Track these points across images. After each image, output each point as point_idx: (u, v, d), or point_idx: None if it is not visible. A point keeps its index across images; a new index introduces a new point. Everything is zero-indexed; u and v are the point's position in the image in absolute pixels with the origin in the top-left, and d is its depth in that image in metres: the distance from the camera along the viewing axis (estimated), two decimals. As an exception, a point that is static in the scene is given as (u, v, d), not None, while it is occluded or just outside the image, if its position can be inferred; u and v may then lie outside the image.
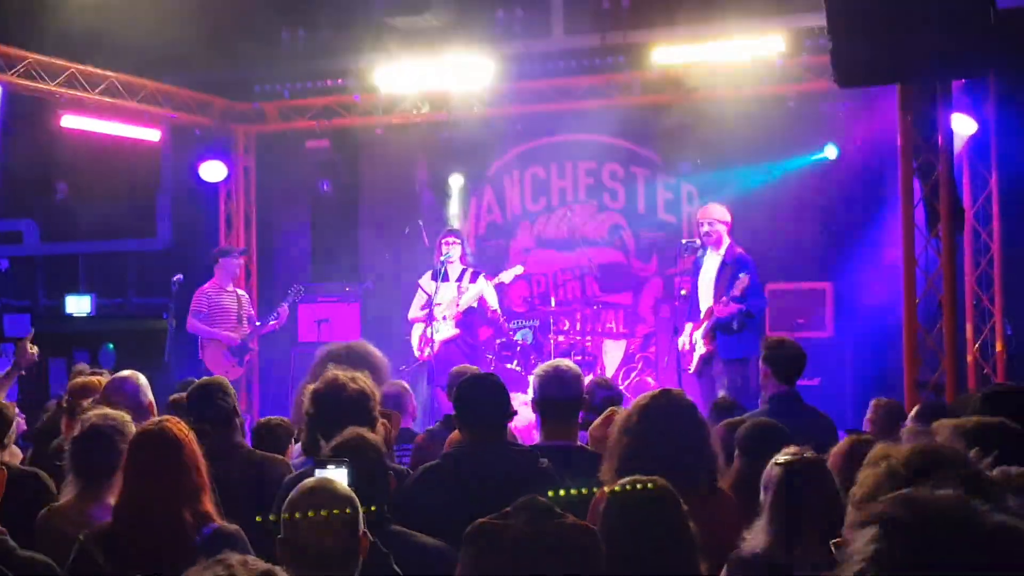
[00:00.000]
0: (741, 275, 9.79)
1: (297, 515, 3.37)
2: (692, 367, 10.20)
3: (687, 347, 10.26)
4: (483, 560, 2.07)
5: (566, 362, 5.57)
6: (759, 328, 9.97)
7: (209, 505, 4.18)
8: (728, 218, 10.30)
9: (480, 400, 4.93)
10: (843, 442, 4.62)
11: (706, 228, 10.28)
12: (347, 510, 3.39)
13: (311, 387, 4.99)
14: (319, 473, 3.75)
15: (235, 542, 3.92)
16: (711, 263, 10.19)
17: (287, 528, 3.37)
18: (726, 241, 10.23)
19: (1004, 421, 3.39)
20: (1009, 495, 2.18)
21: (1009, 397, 4.52)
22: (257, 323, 11.98)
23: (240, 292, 12.10)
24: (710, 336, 9.94)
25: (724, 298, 9.86)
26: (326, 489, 3.43)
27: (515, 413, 5.10)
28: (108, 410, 4.80)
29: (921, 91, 8.51)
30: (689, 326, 10.27)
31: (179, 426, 4.27)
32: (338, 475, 3.80)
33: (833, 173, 11.96)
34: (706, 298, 10.15)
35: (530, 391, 5.78)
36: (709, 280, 10.15)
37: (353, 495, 3.46)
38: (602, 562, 2.81)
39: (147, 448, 4.19)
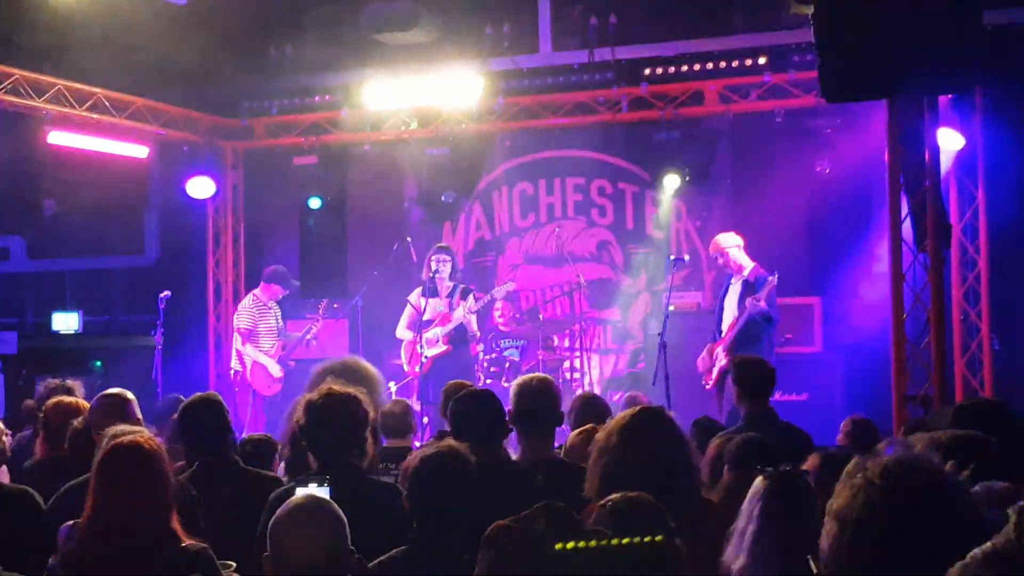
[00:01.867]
0: (770, 278, 10.09)
1: (284, 532, 3.35)
2: (711, 383, 10.37)
3: (708, 363, 10.44)
4: (502, 562, 2.07)
5: (542, 376, 5.57)
6: (771, 345, 10.23)
7: (175, 523, 4.10)
8: (736, 241, 10.60)
9: (476, 416, 4.93)
10: (812, 457, 4.62)
11: (720, 260, 10.64)
12: (335, 528, 3.37)
13: (300, 408, 4.94)
14: (299, 492, 3.71)
15: (200, 561, 3.87)
16: (736, 286, 10.46)
17: (274, 545, 3.35)
18: (748, 264, 10.54)
19: (977, 434, 3.40)
20: (983, 507, 2.19)
21: (978, 410, 4.55)
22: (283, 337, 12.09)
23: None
24: (731, 349, 10.11)
25: (756, 295, 10.09)
26: (313, 506, 3.40)
27: (511, 430, 5.09)
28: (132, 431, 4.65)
29: (908, 106, 8.53)
30: (710, 345, 10.49)
31: (150, 442, 4.17)
32: (320, 494, 3.78)
33: (821, 188, 11.99)
34: (729, 319, 10.36)
35: None
36: (733, 302, 10.41)
37: (341, 513, 3.42)
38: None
39: (113, 464, 4.11)
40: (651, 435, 4.25)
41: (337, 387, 4.83)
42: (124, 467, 4.08)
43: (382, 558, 3.87)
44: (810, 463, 4.40)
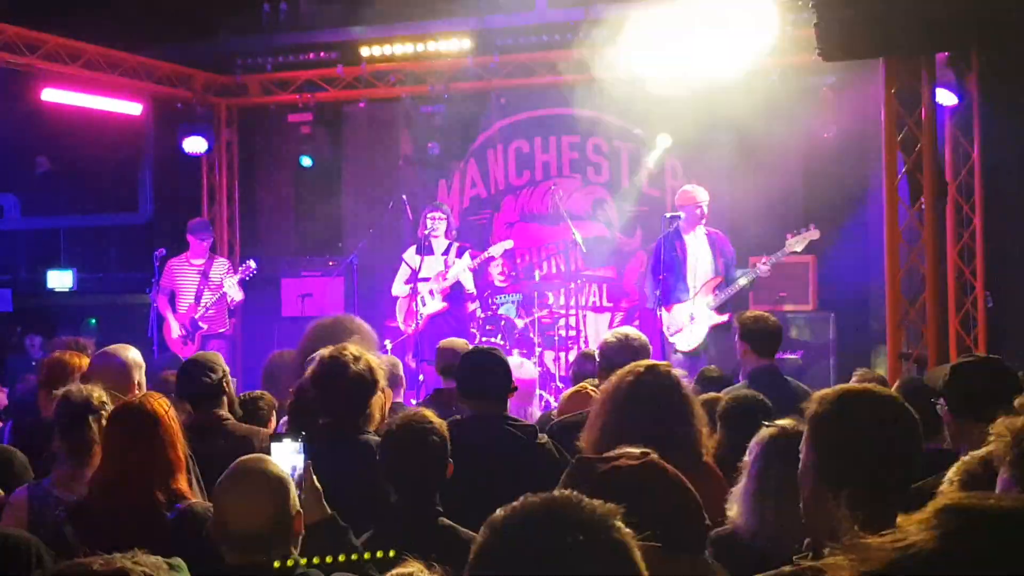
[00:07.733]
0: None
1: (223, 494, 3.35)
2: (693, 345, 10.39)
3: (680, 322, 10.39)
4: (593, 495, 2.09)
5: (633, 331, 5.58)
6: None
7: (183, 483, 4.17)
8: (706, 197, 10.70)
9: (483, 373, 4.96)
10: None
11: (698, 212, 10.54)
12: (275, 490, 3.33)
13: (314, 365, 4.95)
14: (274, 447, 3.71)
15: (205, 520, 3.91)
16: (700, 240, 10.46)
17: (216, 511, 3.35)
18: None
19: None
20: None
21: (976, 367, 4.55)
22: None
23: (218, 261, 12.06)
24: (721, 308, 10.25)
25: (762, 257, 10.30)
26: (253, 471, 3.38)
27: (516, 388, 5.10)
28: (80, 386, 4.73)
29: (905, 64, 8.52)
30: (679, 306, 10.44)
31: (159, 402, 4.25)
32: (290, 449, 3.72)
33: (817, 146, 11.97)
34: (703, 274, 10.36)
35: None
36: (707, 258, 10.44)
37: (283, 475, 3.39)
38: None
39: (123, 423, 4.18)
40: (655, 394, 4.22)
41: (349, 349, 4.86)
42: (129, 428, 4.13)
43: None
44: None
